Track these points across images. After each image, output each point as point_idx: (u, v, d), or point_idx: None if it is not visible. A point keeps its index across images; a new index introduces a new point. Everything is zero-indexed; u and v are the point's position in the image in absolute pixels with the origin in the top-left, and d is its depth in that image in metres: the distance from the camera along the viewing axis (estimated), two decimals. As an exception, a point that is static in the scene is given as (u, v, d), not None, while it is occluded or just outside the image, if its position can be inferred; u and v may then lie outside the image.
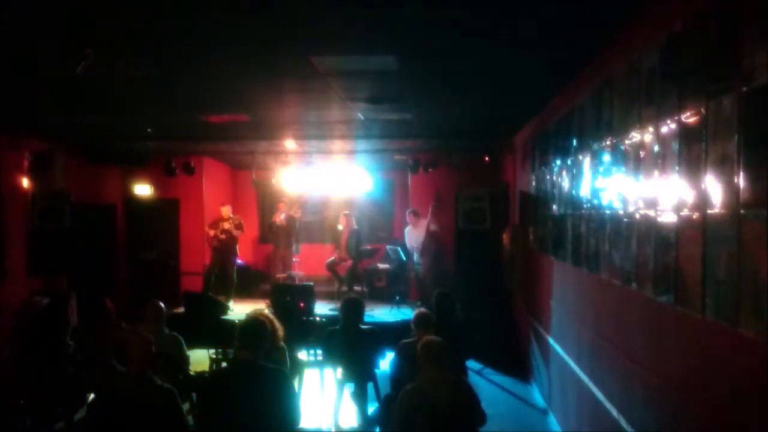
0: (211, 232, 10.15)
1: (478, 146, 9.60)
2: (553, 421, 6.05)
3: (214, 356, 6.74)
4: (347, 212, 10.68)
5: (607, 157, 4.10)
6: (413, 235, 10.37)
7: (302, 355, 6.54)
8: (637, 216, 3.44)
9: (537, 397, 6.95)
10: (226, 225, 10.03)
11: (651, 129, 3.23)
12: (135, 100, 6.25)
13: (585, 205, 4.69)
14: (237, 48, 4.36)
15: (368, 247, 10.71)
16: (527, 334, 7.57)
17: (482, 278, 8.78)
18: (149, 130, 8.23)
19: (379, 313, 9.34)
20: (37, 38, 4.10)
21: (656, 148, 3.15)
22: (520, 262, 7.93)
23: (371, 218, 12.45)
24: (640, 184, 3.42)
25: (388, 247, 11.05)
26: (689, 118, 2.74)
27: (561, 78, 5.23)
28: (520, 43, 4.24)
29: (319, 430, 5.90)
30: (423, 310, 5.38)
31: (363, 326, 5.66)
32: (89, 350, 5.51)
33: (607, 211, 4.06)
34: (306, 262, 11.24)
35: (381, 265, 11.16)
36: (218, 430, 3.50)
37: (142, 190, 11.11)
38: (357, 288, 10.18)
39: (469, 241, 8.94)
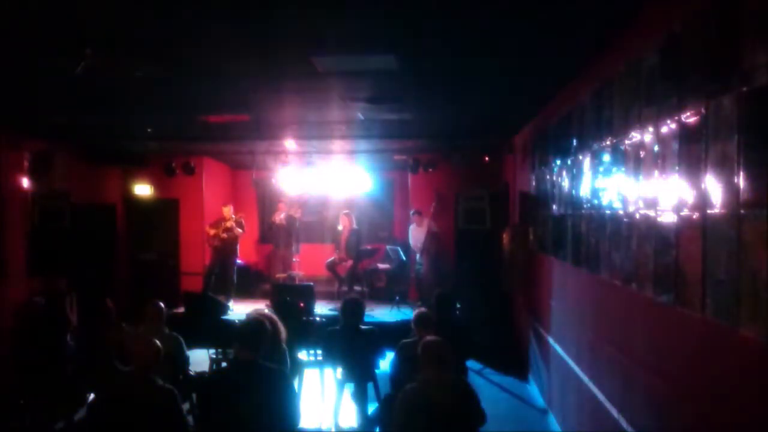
0: (212, 232, 10.14)
1: (478, 146, 9.60)
2: (552, 421, 6.05)
3: (214, 356, 6.75)
4: (347, 212, 10.67)
5: (607, 157, 4.10)
6: (416, 234, 10.38)
7: (302, 355, 6.55)
8: (637, 216, 3.44)
9: (537, 397, 6.96)
10: (228, 224, 10.03)
11: (651, 129, 3.23)
12: (135, 100, 6.25)
13: (585, 205, 4.69)
14: (237, 48, 4.36)
15: (368, 247, 10.71)
16: (527, 334, 7.57)
17: (482, 278, 8.78)
18: (149, 130, 8.23)
19: (379, 313, 9.33)
20: (38, 38, 4.10)
21: (656, 148, 3.15)
22: (520, 262, 7.93)
23: (371, 218, 12.44)
24: (640, 184, 3.42)
25: (388, 247, 11.05)
26: (689, 118, 2.74)
27: (561, 78, 5.23)
28: (521, 43, 4.24)
29: (319, 430, 5.90)
30: (423, 310, 5.38)
31: (363, 326, 5.66)
32: (89, 350, 5.51)
33: (607, 211, 4.07)
34: (306, 262, 11.24)
35: (381, 265, 11.16)
36: (218, 430, 3.50)
37: (142, 190, 11.11)
38: (357, 288, 10.18)
39: (469, 241, 8.94)
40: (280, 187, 10.82)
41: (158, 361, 3.75)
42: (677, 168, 2.86)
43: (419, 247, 10.21)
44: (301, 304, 7.61)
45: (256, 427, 3.42)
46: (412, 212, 10.53)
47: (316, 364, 6.54)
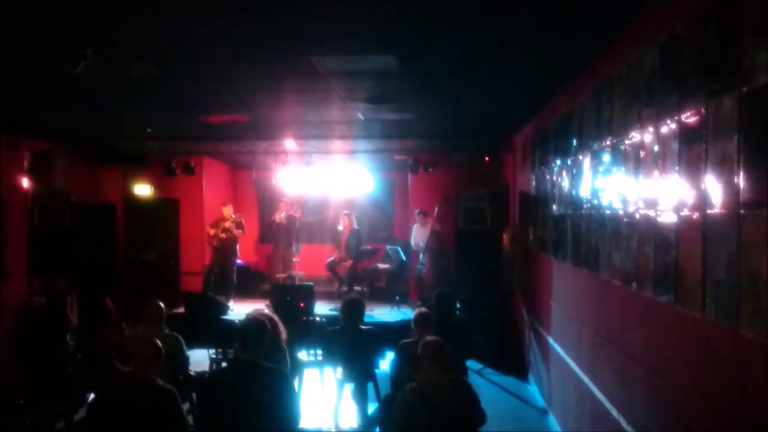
0: (212, 231, 10.14)
1: (478, 146, 9.59)
2: (552, 420, 6.05)
3: (214, 356, 6.74)
4: (347, 212, 10.67)
5: (607, 157, 4.10)
6: (419, 234, 10.37)
7: (302, 355, 6.54)
8: (637, 216, 3.44)
9: (537, 396, 6.96)
10: (227, 224, 10.02)
11: (651, 129, 3.23)
12: (135, 100, 6.25)
13: (585, 205, 4.69)
14: (237, 48, 4.36)
15: (368, 247, 10.71)
16: (527, 334, 7.58)
17: (482, 278, 8.77)
18: (149, 130, 8.23)
19: (379, 313, 9.33)
20: (37, 38, 4.10)
21: (656, 148, 3.15)
22: (520, 262, 7.93)
23: (371, 218, 12.44)
24: (640, 184, 3.42)
25: (388, 247, 11.05)
26: (689, 118, 2.74)
27: (561, 78, 5.23)
28: (521, 43, 4.25)
29: (319, 430, 5.90)
30: (423, 310, 5.37)
31: (363, 326, 5.65)
32: (89, 350, 5.51)
33: (607, 211, 4.07)
34: (306, 262, 11.23)
35: (381, 265, 11.16)
36: (218, 431, 3.50)
37: (142, 190, 11.11)
38: (357, 288, 10.18)
39: (469, 241, 8.93)
40: (280, 187, 10.81)
41: (158, 361, 3.75)
42: (677, 168, 2.86)
43: (421, 247, 10.21)
44: (301, 304, 7.60)
45: (256, 428, 3.42)
46: (417, 212, 10.52)
47: (316, 364, 6.54)
